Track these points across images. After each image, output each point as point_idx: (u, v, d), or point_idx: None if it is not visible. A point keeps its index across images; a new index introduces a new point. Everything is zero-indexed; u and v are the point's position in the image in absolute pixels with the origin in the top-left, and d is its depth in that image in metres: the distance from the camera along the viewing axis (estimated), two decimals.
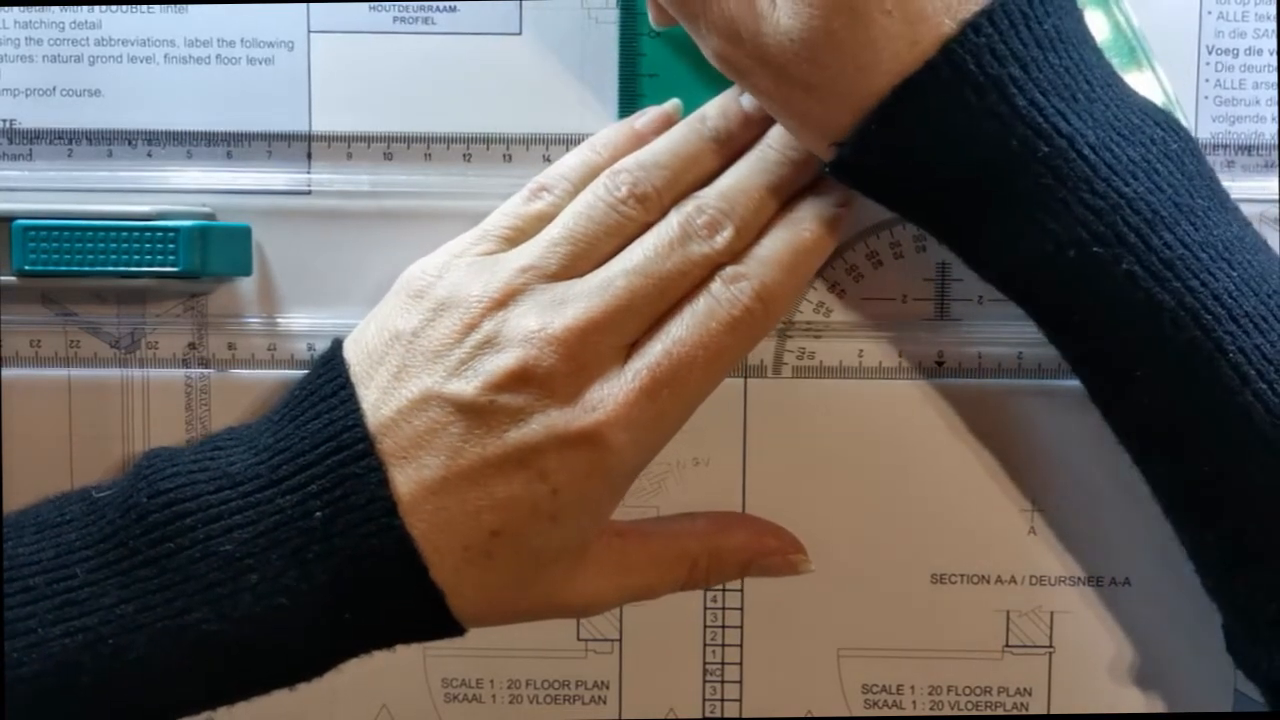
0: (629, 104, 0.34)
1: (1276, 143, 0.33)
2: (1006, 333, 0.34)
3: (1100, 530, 0.34)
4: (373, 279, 0.34)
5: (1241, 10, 0.34)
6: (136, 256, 0.31)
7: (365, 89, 0.34)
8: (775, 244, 0.30)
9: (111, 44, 0.34)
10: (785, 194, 0.31)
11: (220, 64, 0.34)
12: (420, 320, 0.29)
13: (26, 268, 0.32)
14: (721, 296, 0.29)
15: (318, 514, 0.28)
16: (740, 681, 0.35)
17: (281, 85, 0.34)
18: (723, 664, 0.35)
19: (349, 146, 0.34)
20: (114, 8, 0.34)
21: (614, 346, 0.29)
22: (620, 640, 0.35)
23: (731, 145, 0.31)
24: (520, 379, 0.28)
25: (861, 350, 0.34)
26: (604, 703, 0.35)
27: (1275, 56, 0.34)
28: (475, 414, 0.28)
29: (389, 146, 0.34)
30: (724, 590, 0.35)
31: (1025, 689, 0.35)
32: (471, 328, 0.29)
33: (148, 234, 0.31)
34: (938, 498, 0.35)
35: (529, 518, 0.29)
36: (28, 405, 0.34)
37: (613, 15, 0.34)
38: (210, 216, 0.34)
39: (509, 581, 0.29)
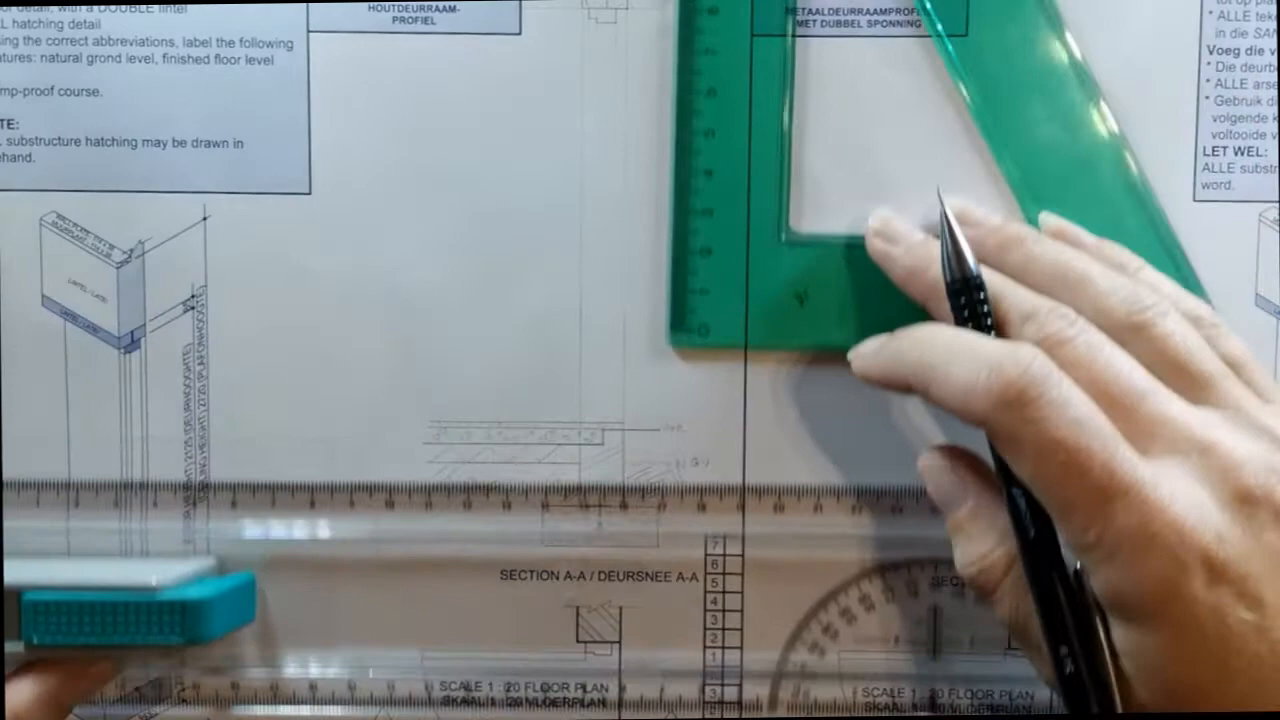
0: (685, 120, 0.34)
1: (1277, 142, 0.33)
2: None
3: None
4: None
5: (1242, 10, 0.34)
6: (143, 633, 0.32)
7: (365, 89, 0.34)
8: None
9: (110, 44, 0.34)
10: None
11: (219, 64, 0.34)
12: None
13: (35, 641, 0.32)
14: None
15: None
16: (740, 683, 0.35)
17: (281, 85, 0.34)
18: (723, 665, 0.35)
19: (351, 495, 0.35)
20: (113, 7, 0.34)
21: None
22: (620, 640, 0.35)
23: None
24: None
25: None
26: (604, 703, 0.35)
27: (1276, 56, 0.34)
28: None
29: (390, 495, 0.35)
30: (724, 592, 0.35)
31: (1025, 690, 0.35)
32: None
33: (154, 609, 0.32)
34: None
35: None
36: (27, 408, 0.34)
37: (613, 16, 0.34)
38: (214, 569, 0.34)
39: None
